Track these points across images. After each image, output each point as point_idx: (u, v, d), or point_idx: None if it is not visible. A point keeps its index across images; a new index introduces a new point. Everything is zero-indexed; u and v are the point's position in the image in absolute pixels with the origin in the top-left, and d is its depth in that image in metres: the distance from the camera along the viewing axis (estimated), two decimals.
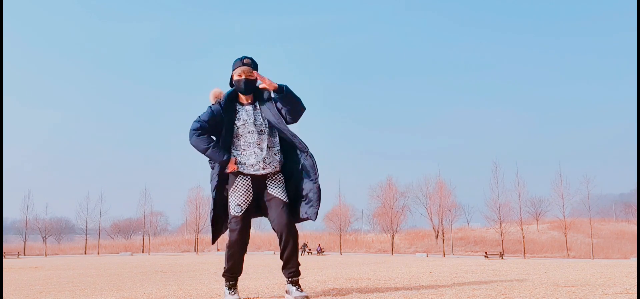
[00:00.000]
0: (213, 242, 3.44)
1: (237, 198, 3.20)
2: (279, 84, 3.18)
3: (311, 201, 3.22)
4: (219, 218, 3.34)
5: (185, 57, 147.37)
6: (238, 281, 3.35)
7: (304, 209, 3.25)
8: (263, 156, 3.25)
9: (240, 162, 3.25)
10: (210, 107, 3.30)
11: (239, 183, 3.23)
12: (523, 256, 40.91)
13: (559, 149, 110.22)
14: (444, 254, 43.55)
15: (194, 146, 3.22)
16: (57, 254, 52.41)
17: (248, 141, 3.26)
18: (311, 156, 3.26)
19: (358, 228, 66.07)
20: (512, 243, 46.85)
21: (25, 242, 53.26)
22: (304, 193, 3.25)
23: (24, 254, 50.50)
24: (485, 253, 41.63)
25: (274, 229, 3.21)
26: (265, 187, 3.27)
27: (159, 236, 65.68)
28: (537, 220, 61.34)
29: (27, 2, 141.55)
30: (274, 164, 3.29)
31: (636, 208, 47.15)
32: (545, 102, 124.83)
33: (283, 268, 3.22)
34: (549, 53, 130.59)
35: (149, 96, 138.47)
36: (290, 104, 3.22)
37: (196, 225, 53.19)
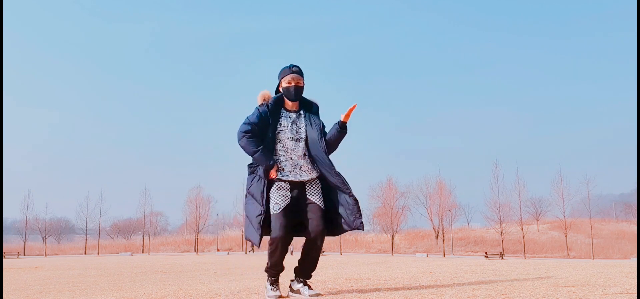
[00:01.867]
0: (259, 244, 3.36)
1: (276, 198, 3.28)
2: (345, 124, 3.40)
3: (354, 212, 3.31)
4: (268, 219, 3.34)
5: (184, 57, 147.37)
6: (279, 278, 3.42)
7: (349, 220, 3.32)
8: (299, 163, 3.36)
9: (279, 168, 3.34)
10: (258, 109, 3.38)
11: (277, 186, 3.31)
12: (523, 256, 40.92)
13: (559, 149, 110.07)
14: (444, 254, 43.56)
15: (243, 147, 3.31)
16: (57, 255, 52.42)
17: (286, 147, 3.37)
18: (340, 174, 3.35)
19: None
20: (512, 243, 46.86)
21: (25, 242, 53.26)
22: (344, 205, 3.33)
23: (24, 254, 50.51)
24: (486, 253, 41.63)
25: (308, 229, 3.29)
26: (305, 193, 3.35)
27: (159, 236, 65.67)
28: (537, 220, 61.37)
29: (24, 1, 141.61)
30: (310, 173, 3.38)
31: (636, 208, 47.16)
32: (546, 102, 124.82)
33: (300, 269, 3.36)
34: (549, 53, 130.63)
35: (149, 95, 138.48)
36: (336, 143, 3.42)
37: (196, 225, 53.18)
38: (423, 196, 52.92)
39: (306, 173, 3.37)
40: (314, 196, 3.35)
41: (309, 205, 3.32)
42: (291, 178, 3.33)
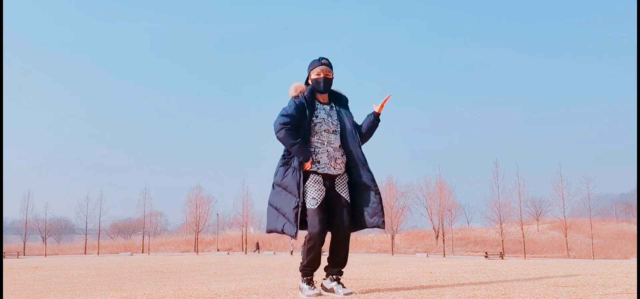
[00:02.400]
0: (296, 236, 3.34)
1: (313, 192, 3.26)
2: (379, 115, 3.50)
3: (378, 210, 3.31)
4: (304, 211, 3.30)
5: (184, 57, 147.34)
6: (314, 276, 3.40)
7: (371, 218, 3.32)
8: (334, 156, 3.36)
9: (314, 160, 3.33)
10: (294, 100, 3.35)
11: (313, 179, 3.30)
12: (523, 256, 40.90)
13: (559, 149, 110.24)
14: (444, 255, 43.54)
15: (280, 139, 3.28)
16: (57, 255, 52.39)
17: (322, 139, 3.36)
18: (370, 171, 3.35)
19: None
20: (512, 243, 46.83)
21: (25, 242, 53.23)
22: (368, 203, 3.33)
23: (24, 254, 50.49)
24: (486, 253, 41.60)
25: (337, 225, 3.28)
26: (334, 186, 3.35)
27: (159, 236, 65.63)
28: (538, 220, 61.34)
29: (22, 1, 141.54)
30: (342, 166, 3.38)
31: (636, 208, 47.13)
32: (546, 102, 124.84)
33: (332, 267, 3.33)
34: (549, 53, 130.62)
35: (149, 96, 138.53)
36: (370, 133, 3.50)
37: (196, 225, 53.15)
38: (423, 196, 52.85)
39: (339, 167, 3.36)
40: (343, 191, 3.34)
41: (339, 200, 3.31)
42: (325, 171, 3.32)
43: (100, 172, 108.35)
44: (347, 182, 3.38)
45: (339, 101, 3.50)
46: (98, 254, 51.23)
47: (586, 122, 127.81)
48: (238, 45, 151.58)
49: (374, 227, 3.33)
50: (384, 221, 3.30)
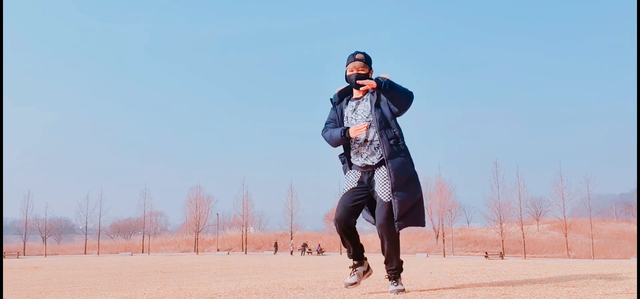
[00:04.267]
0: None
1: (345, 182, 3.42)
2: (378, 80, 3.16)
3: (392, 212, 3.23)
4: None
5: (184, 58, 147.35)
6: (363, 260, 3.45)
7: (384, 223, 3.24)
8: (361, 151, 3.35)
9: (350, 155, 3.43)
10: (331, 108, 3.53)
11: (349, 176, 3.42)
12: (523, 256, 40.91)
13: (559, 149, 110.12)
14: (444, 254, 43.56)
15: (327, 142, 3.46)
16: (57, 255, 52.40)
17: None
18: (394, 160, 3.24)
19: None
20: (512, 243, 46.84)
21: (25, 242, 53.27)
22: (386, 200, 3.30)
23: (24, 254, 50.50)
24: (486, 253, 41.60)
25: (376, 224, 3.29)
26: (374, 184, 3.31)
27: (159, 236, 65.66)
28: (538, 220, 61.36)
29: (23, 2, 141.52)
30: (374, 158, 3.31)
31: (636, 208, 47.14)
32: (545, 103, 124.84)
33: (385, 263, 3.34)
34: (549, 53, 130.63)
35: (149, 96, 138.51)
36: (393, 97, 3.21)
37: (196, 225, 53.18)
38: (423, 196, 52.90)
39: (369, 159, 3.32)
40: (380, 188, 3.25)
41: (376, 197, 3.29)
42: (359, 164, 3.36)
43: (100, 172, 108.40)
44: (386, 177, 3.25)
45: (375, 91, 3.38)
46: (98, 254, 51.24)
47: (586, 122, 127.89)
48: (238, 46, 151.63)
49: (414, 225, 3.33)
50: (399, 224, 3.18)
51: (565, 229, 43.27)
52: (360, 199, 3.32)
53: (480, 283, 3.89)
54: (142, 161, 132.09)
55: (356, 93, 3.43)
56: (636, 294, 2.91)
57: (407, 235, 57.91)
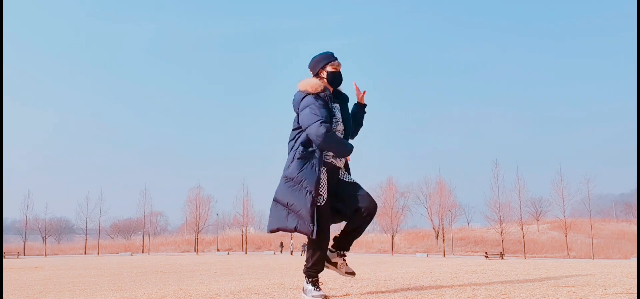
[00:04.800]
0: (313, 235, 3.07)
1: (322, 189, 3.13)
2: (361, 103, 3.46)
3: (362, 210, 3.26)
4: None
5: (184, 58, 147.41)
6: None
7: (357, 217, 3.30)
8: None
9: (326, 154, 3.21)
10: (317, 101, 3.11)
11: (322, 180, 3.14)
12: (523, 256, 40.91)
13: (559, 149, 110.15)
14: (444, 255, 43.55)
15: (335, 144, 3.12)
16: (56, 255, 52.41)
17: None
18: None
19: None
20: (512, 243, 46.84)
21: (25, 242, 53.26)
22: (354, 201, 3.30)
23: (24, 255, 50.50)
24: (486, 253, 41.61)
25: (356, 203, 3.17)
26: (339, 177, 3.29)
27: (159, 236, 65.68)
28: (538, 220, 61.36)
29: (25, 2, 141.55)
30: (341, 161, 3.34)
31: (636, 208, 47.12)
32: (545, 103, 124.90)
33: (342, 242, 3.35)
34: (549, 53, 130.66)
35: (149, 96, 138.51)
36: (361, 121, 3.47)
37: (196, 225, 53.17)
38: (423, 196, 52.85)
39: (339, 161, 3.30)
40: (350, 178, 3.30)
41: (349, 185, 3.25)
42: (332, 161, 3.24)
43: (100, 172, 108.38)
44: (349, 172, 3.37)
45: (340, 97, 3.39)
46: (98, 254, 51.24)
47: (586, 122, 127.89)
48: (239, 46, 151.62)
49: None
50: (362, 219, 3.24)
51: (565, 229, 43.26)
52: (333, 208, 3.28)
53: (480, 282, 3.89)
54: (142, 161, 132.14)
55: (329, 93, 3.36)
56: (636, 294, 2.91)
57: (407, 235, 57.89)
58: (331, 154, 3.21)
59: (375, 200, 3.29)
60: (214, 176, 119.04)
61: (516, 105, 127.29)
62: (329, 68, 3.26)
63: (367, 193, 3.25)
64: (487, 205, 45.29)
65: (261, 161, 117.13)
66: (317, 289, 3.15)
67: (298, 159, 3.12)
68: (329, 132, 3.04)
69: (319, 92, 3.15)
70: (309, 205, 3.02)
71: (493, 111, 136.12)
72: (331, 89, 3.29)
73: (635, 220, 52.70)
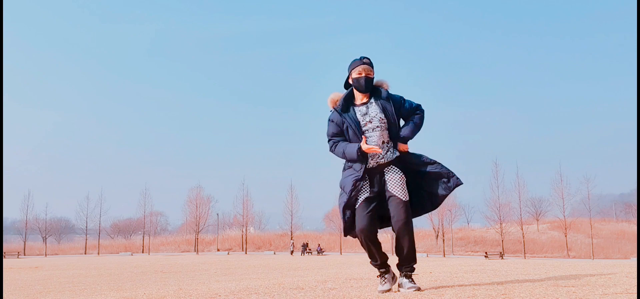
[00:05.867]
0: (345, 234, 3.51)
1: (360, 191, 3.34)
2: (405, 139, 3.39)
3: (443, 177, 3.33)
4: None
5: (185, 58, 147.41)
6: (389, 267, 3.42)
7: (443, 187, 3.33)
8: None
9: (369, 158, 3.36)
10: (329, 118, 3.44)
11: (359, 182, 3.34)
12: (523, 256, 40.91)
13: (559, 149, 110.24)
14: (444, 254, 43.56)
15: (338, 155, 3.42)
16: (57, 254, 52.39)
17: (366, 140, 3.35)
18: (418, 155, 3.41)
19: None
20: (512, 243, 46.84)
21: (25, 242, 53.26)
22: (431, 178, 3.35)
23: (24, 254, 50.49)
24: (486, 253, 41.62)
25: (392, 226, 3.29)
26: (385, 184, 3.33)
27: (159, 236, 65.64)
28: (537, 220, 61.33)
29: (27, 2, 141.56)
30: (388, 157, 3.34)
31: (636, 208, 47.13)
32: (546, 102, 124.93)
33: (399, 263, 3.34)
34: (549, 53, 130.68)
35: (149, 96, 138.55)
36: (419, 131, 3.47)
37: (196, 225, 53.17)
38: None
39: (383, 159, 3.32)
40: (395, 188, 3.29)
41: (390, 198, 3.29)
42: (371, 165, 3.33)
43: (100, 172, 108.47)
44: (401, 177, 3.33)
45: (378, 94, 3.42)
46: (98, 254, 51.24)
47: (586, 122, 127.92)
48: (239, 46, 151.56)
49: (454, 189, 3.34)
50: (457, 178, 3.31)
51: (565, 229, 43.27)
52: (377, 207, 3.33)
53: (480, 282, 3.89)
54: (142, 161, 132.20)
55: (360, 97, 3.42)
56: (636, 294, 2.91)
57: None
58: (372, 158, 3.33)
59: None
60: (214, 176, 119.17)
61: (516, 105, 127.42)
62: (354, 74, 3.41)
63: (398, 211, 3.25)
64: (487, 205, 45.35)
65: (261, 161, 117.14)
66: (382, 282, 3.38)
67: (343, 170, 3.49)
68: (331, 148, 3.44)
69: (335, 106, 3.42)
70: (341, 207, 3.37)
71: (493, 111, 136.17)
72: (363, 94, 3.41)
73: (635, 220, 52.71)
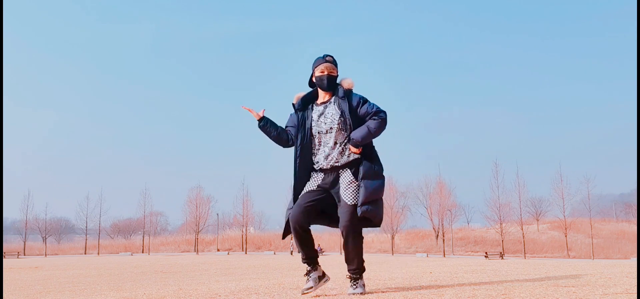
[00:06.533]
0: (283, 237, 3.54)
1: (306, 185, 3.37)
2: (356, 144, 3.27)
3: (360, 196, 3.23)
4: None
5: (184, 58, 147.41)
6: (317, 266, 3.39)
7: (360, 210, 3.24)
8: (331, 154, 3.31)
9: (315, 161, 3.37)
10: (290, 114, 3.53)
11: (312, 176, 3.38)
12: (523, 256, 40.90)
13: (559, 149, 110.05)
14: (444, 254, 43.55)
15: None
16: (57, 255, 52.39)
17: (320, 140, 3.35)
18: (364, 162, 3.31)
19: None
20: (512, 243, 46.83)
21: (25, 242, 53.23)
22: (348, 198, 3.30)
23: (24, 254, 50.48)
24: (486, 253, 41.60)
25: (340, 221, 3.24)
26: (339, 186, 3.30)
27: (159, 236, 65.66)
28: (538, 220, 61.34)
29: (25, 2, 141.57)
30: (339, 160, 3.31)
31: (636, 208, 47.13)
32: (545, 103, 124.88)
33: (347, 263, 3.30)
34: (549, 53, 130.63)
35: (149, 96, 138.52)
36: (374, 138, 3.38)
37: (196, 225, 53.14)
38: (423, 196, 52.87)
39: (332, 161, 3.31)
40: (344, 191, 3.25)
41: (340, 202, 3.27)
42: (321, 167, 3.33)
43: (100, 172, 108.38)
44: (352, 181, 3.26)
45: (337, 92, 3.39)
46: (98, 254, 51.23)
47: (586, 122, 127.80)
48: (239, 46, 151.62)
49: (365, 219, 3.21)
50: (364, 209, 3.14)
51: (565, 229, 43.27)
52: (316, 202, 3.30)
53: (480, 282, 3.89)
54: (142, 161, 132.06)
55: (322, 96, 3.41)
56: (636, 294, 2.91)
57: (407, 235, 57.92)
58: (321, 162, 3.35)
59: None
60: (214, 176, 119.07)
61: (516, 105, 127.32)
62: (317, 72, 3.39)
63: (344, 213, 3.20)
64: (487, 205, 45.32)
65: (261, 161, 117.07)
66: (306, 281, 3.35)
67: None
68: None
69: (295, 103, 3.46)
70: (287, 208, 3.40)
71: (493, 111, 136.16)
72: (325, 92, 3.40)
73: (635, 220, 52.71)
